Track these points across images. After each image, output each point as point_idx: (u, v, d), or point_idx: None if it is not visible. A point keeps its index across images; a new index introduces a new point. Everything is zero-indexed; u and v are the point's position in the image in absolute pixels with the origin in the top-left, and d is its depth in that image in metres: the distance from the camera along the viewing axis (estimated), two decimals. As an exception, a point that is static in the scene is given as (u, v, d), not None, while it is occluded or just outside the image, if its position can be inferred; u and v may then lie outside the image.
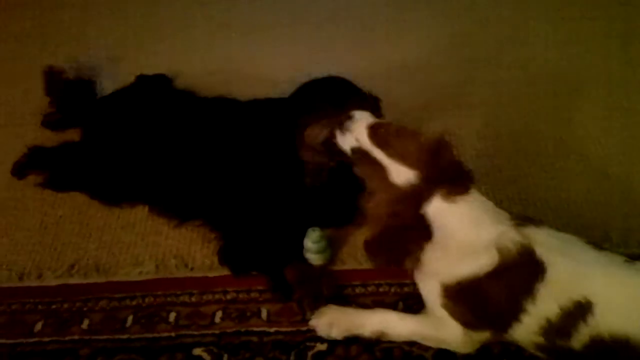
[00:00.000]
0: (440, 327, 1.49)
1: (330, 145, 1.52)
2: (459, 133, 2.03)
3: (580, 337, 1.33)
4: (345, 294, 1.68)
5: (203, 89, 2.24)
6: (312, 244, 1.70)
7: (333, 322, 1.56)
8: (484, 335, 1.48)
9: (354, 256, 1.78)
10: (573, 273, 1.35)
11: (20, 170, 2.06)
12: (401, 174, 1.39)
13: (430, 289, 1.47)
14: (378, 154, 1.42)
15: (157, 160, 1.94)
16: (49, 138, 2.17)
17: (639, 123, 2.17)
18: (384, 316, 1.56)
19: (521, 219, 1.43)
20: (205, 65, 2.53)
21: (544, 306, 1.34)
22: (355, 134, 1.46)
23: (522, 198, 1.90)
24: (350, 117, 1.49)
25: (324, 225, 1.75)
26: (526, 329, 1.38)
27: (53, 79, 2.27)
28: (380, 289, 1.68)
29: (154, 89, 2.22)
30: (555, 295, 1.34)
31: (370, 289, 1.69)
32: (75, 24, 2.86)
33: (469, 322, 1.45)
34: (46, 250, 1.84)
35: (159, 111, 2.06)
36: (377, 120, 1.49)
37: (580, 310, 1.32)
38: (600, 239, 1.71)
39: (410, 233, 1.40)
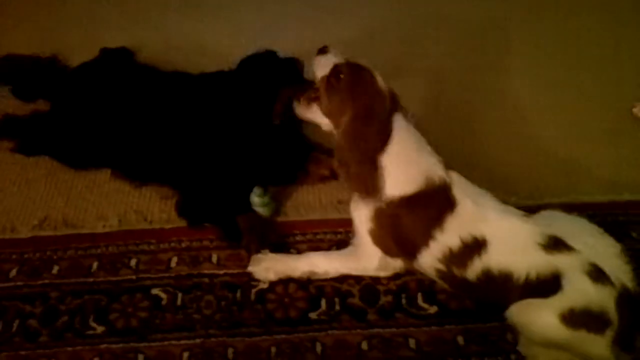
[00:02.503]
0: (361, 256, 1.75)
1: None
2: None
3: (474, 269, 1.58)
4: (287, 241, 1.91)
5: (162, 63, 2.42)
6: (257, 199, 1.93)
7: (268, 267, 1.79)
8: (397, 263, 1.73)
9: (296, 210, 2.01)
10: (476, 214, 1.60)
11: (-7, 136, 2.23)
12: (383, 83, 1.65)
13: (362, 215, 1.70)
14: (363, 63, 1.66)
15: (119, 128, 2.12)
16: (20, 108, 2.34)
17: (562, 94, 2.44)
18: (311, 258, 1.81)
19: (447, 164, 1.68)
20: (164, 40, 2.71)
21: (448, 236, 1.59)
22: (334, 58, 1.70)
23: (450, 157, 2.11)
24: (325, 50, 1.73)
25: (270, 184, 1.98)
26: (431, 255, 1.62)
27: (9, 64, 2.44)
28: (317, 237, 1.92)
29: (117, 62, 2.39)
30: (459, 229, 1.59)
31: (308, 237, 1.93)
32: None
33: (387, 248, 1.70)
34: (18, 207, 2.03)
35: (121, 83, 2.24)
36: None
37: (476, 246, 1.57)
38: (510, 191, 1.96)
39: (376, 136, 1.62)
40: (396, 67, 2.51)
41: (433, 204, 1.61)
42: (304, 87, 1.79)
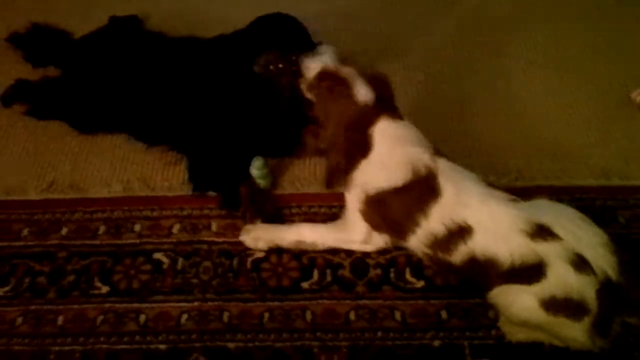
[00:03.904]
0: (348, 229, 1.83)
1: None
2: (394, 79, 2.28)
3: (459, 254, 1.64)
4: (282, 213, 2.00)
5: (170, 30, 2.49)
6: (256, 171, 2.00)
7: (258, 237, 1.88)
8: (383, 238, 1.82)
9: (292, 183, 2.09)
10: (460, 201, 1.65)
11: (7, 100, 2.32)
12: (363, 93, 1.69)
13: (354, 196, 1.78)
14: (346, 73, 1.72)
15: (129, 93, 2.19)
16: (32, 74, 2.42)
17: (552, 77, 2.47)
18: (299, 229, 1.89)
19: (437, 151, 1.73)
20: (172, 7, 2.76)
21: (433, 223, 1.66)
22: (324, 59, 1.78)
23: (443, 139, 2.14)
24: (316, 51, 1.83)
25: (269, 155, 2.05)
26: (418, 240, 1.70)
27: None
28: (312, 210, 2.00)
29: (126, 29, 2.46)
30: (443, 216, 1.65)
31: (303, 209, 2.01)
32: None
33: (376, 225, 1.78)
34: (29, 170, 2.13)
35: (130, 48, 2.31)
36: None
37: (461, 232, 1.63)
38: (501, 173, 2.02)
39: (356, 150, 1.71)
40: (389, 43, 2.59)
41: (419, 192, 1.66)
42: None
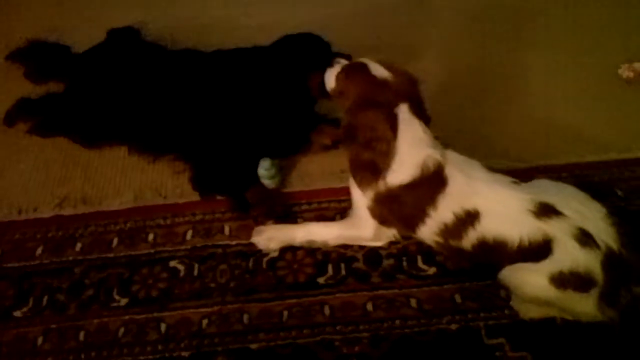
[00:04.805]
0: (357, 226, 1.87)
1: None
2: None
3: (470, 239, 1.69)
4: (293, 211, 2.03)
5: (168, 39, 2.53)
6: (264, 171, 2.03)
7: (270, 237, 1.92)
8: (392, 232, 1.86)
9: (301, 180, 2.13)
10: (467, 189, 1.70)
11: (10, 119, 2.33)
12: (379, 70, 1.74)
13: (361, 195, 1.81)
14: (365, 60, 1.79)
15: (132, 104, 2.21)
16: (34, 90, 2.43)
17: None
18: (308, 227, 1.93)
19: (445, 144, 1.79)
20: (167, 17, 2.78)
21: (442, 213, 1.71)
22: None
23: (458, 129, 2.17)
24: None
25: (276, 156, 2.08)
26: (429, 230, 1.74)
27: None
28: (322, 206, 2.04)
29: (125, 42, 2.46)
30: (451, 205, 1.70)
31: (313, 206, 2.04)
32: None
33: (384, 220, 1.83)
34: (39, 188, 2.15)
35: (131, 60, 2.33)
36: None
37: (470, 218, 1.68)
38: (501, 155, 2.07)
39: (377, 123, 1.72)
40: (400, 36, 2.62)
41: (427, 186, 1.71)
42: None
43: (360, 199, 1.82)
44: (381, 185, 1.75)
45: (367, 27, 2.67)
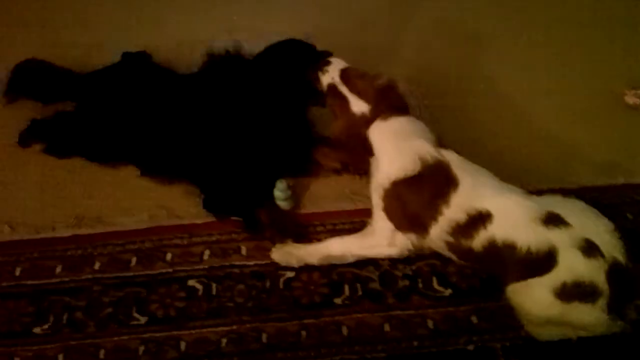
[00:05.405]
0: (373, 232, 1.92)
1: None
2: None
3: (480, 239, 1.74)
4: (307, 232, 2.07)
5: (177, 60, 2.57)
6: (280, 193, 2.07)
7: (289, 252, 1.96)
8: (407, 240, 1.89)
9: (314, 202, 2.17)
10: (479, 191, 1.77)
11: (24, 140, 2.35)
12: (358, 106, 1.90)
13: (376, 194, 1.89)
14: (344, 90, 1.92)
15: (143, 128, 2.24)
16: (45, 110, 2.45)
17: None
18: (326, 243, 1.97)
19: (441, 143, 1.87)
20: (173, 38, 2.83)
21: (454, 211, 1.76)
22: (331, 73, 1.97)
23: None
24: (328, 62, 1.99)
25: (284, 175, 2.11)
26: (440, 229, 1.79)
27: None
28: (336, 227, 2.08)
29: (138, 65, 2.50)
30: (464, 204, 1.76)
31: (327, 227, 2.08)
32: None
33: (399, 223, 1.87)
34: (54, 207, 2.17)
35: (143, 83, 2.36)
36: (347, 65, 2.00)
37: (481, 218, 1.73)
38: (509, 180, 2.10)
39: (359, 149, 1.90)
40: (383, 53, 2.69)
41: (434, 182, 1.79)
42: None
43: (378, 204, 1.88)
44: (385, 181, 1.83)
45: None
